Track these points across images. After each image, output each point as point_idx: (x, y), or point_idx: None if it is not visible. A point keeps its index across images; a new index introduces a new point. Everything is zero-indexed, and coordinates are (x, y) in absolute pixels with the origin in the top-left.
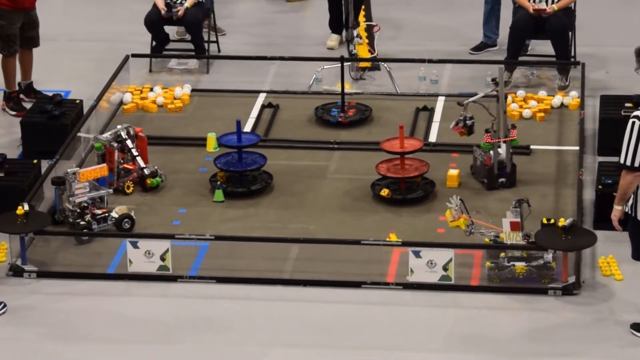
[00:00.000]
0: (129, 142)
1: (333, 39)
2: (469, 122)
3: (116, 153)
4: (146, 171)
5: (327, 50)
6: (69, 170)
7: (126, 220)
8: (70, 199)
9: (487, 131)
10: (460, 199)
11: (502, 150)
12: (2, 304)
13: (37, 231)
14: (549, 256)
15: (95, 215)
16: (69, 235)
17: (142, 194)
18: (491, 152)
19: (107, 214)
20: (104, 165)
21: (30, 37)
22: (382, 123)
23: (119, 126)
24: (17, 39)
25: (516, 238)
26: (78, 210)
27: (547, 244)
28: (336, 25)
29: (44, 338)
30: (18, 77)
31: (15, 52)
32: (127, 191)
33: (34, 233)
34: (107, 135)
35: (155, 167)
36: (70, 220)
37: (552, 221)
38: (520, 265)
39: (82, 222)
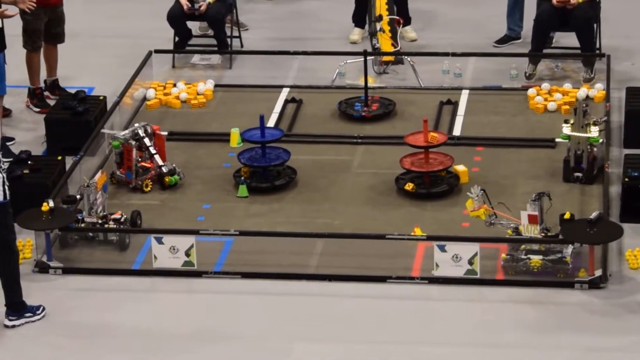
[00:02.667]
0: (146, 140)
1: (356, 33)
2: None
3: (134, 151)
4: (164, 169)
5: (350, 45)
6: (89, 181)
7: (138, 216)
8: (92, 211)
9: (565, 122)
10: (482, 189)
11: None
12: (42, 308)
13: (63, 227)
14: (567, 251)
15: (117, 220)
16: (96, 232)
17: (165, 191)
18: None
19: (121, 216)
20: (104, 172)
21: (55, 34)
22: (406, 117)
23: (136, 124)
24: (41, 35)
25: (534, 231)
26: (99, 222)
27: (574, 237)
28: (359, 18)
29: (70, 338)
30: (43, 74)
31: (39, 47)
32: (146, 190)
33: (59, 229)
34: (124, 133)
35: (174, 165)
36: (91, 234)
37: (568, 215)
38: (536, 258)
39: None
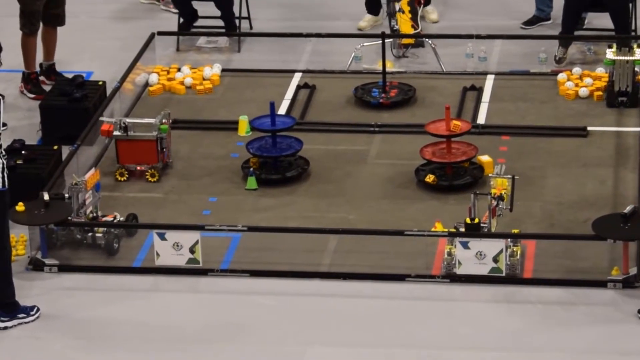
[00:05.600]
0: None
1: (366, 20)
2: None
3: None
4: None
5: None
6: (78, 179)
7: (134, 220)
8: (81, 211)
9: (609, 47)
10: (513, 177)
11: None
12: (36, 309)
13: (58, 222)
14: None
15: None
16: (94, 227)
17: (168, 183)
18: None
19: (115, 218)
20: (97, 169)
21: (55, 15)
22: (426, 104)
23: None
24: (40, 17)
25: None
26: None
27: (607, 233)
28: (373, 4)
29: (66, 340)
30: (39, 58)
31: (37, 30)
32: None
33: (54, 224)
34: (159, 117)
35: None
36: (78, 236)
37: (477, 221)
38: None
39: (98, 234)
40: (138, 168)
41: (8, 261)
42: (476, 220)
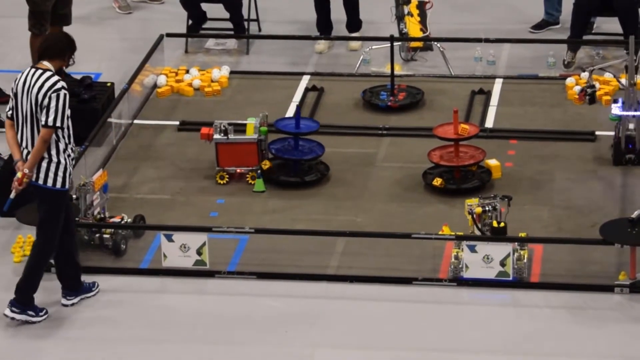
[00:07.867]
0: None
1: (321, 43)
2: (589, 90)
3: None
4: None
5: (375, 29)
6: (86, 180)
7: (141, 221)
8: (89, 212)
9: (614, 101)
10: (505, 197)
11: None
12: (44, 311)
13: None
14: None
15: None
16: (101, 228)
17: (176, 185)
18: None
19: (122, 219)
20: (105, 170)
21: (62, 15)
22: (435, 107)
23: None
24: (49, 17)
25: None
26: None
27: (614, 237)
28: (324, 26)
29: (72, 341)
30: None
31: (46, 30)
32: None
33: None
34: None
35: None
36: (86, 237)
37: (503, 224)
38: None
39: (105, 235)
40: (238, 171)
41: (47, 257)
42: (502, 224)
